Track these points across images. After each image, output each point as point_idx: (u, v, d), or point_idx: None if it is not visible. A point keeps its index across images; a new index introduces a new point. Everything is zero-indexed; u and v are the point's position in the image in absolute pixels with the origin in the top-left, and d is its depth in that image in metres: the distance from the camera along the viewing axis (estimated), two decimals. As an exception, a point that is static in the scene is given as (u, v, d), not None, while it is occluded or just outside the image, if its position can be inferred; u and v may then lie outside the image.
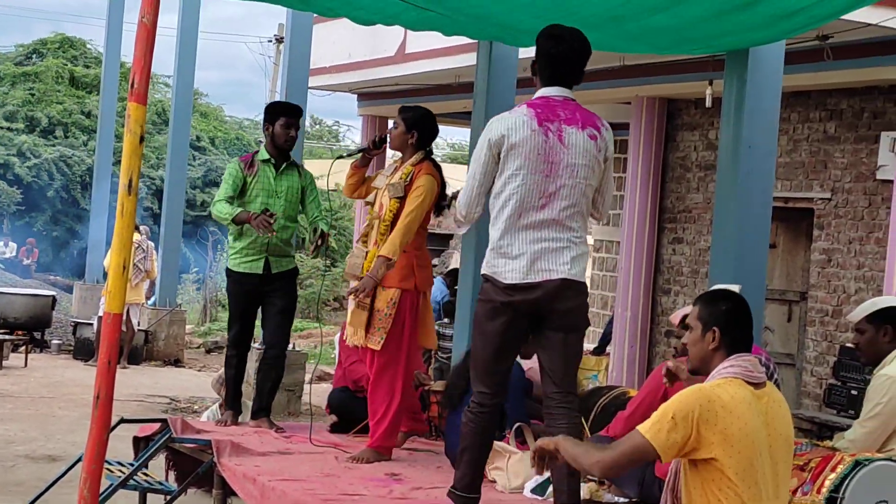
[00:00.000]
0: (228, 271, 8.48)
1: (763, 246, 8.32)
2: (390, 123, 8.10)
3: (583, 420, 7.24)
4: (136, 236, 19.32)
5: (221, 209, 8.15)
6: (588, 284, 5.92)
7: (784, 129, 12.91)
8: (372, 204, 7.63)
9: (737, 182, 8.15)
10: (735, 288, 6.98)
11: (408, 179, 7.41)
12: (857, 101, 13.02)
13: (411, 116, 7.60)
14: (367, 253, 7.45)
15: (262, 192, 8.28)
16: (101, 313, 18.17)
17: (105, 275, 19.20)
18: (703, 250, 14.81)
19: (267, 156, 8.38)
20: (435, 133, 7.68)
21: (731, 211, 8.18)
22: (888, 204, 11.97)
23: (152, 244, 19.61)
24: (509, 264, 5.72)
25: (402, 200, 7.36)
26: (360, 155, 7.99)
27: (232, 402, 8.55)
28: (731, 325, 4.66)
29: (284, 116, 8.38)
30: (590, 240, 23.41)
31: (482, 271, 5.89)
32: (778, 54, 8.25)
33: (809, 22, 7.59)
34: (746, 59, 8.09)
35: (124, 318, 18.58)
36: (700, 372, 4.73)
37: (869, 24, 10.68)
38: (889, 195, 11.92)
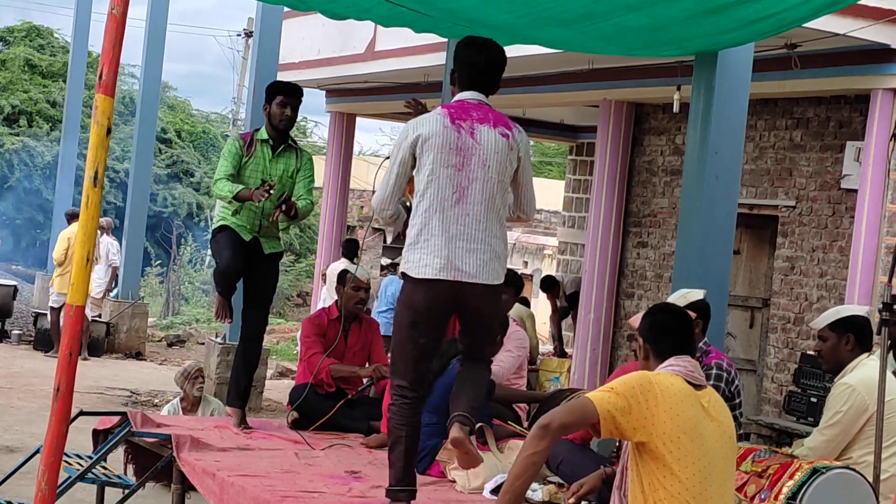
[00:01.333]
0: (219, 227, 8.22)
1: (727, 252, 8.37)
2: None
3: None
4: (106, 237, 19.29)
5: (223, 187, 7.96)
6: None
7: (750, 136, 12.97)
8: None
9: (702, 188, 8.18)
10: (700, 293, 7.05)
11: None
12: (823, 109, 13.09)
13: None
14: None
15: (256, 173, 8.09)
16: (52, 304, 18.22)
17: (54, 266, 19.15)
18: (668, 255, 14.87)
19: (266, 136, 8.19)
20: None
21: (696, 216, 8.22)
22: (852, 213, 12.05)
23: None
24: (424, 259, 5.82)
25: None
26: None
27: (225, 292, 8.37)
28: (655, 334, 4.97)
29: (281, 95, 8.16)
30: (554, 241, 23.51)
31: (400, 269, 6.01)
32: (746, 61, 8.29)
33: (780, 25, 7.65)
34: (715, 64, 8.13)
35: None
36: None
37: (836, 34, 10.75)
38: (853, 204, 11.99)
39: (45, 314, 19.13)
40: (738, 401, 6.81)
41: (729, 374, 6.78)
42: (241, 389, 8.46)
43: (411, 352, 5.96)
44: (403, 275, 5.96)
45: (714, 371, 6.71)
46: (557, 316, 17.15)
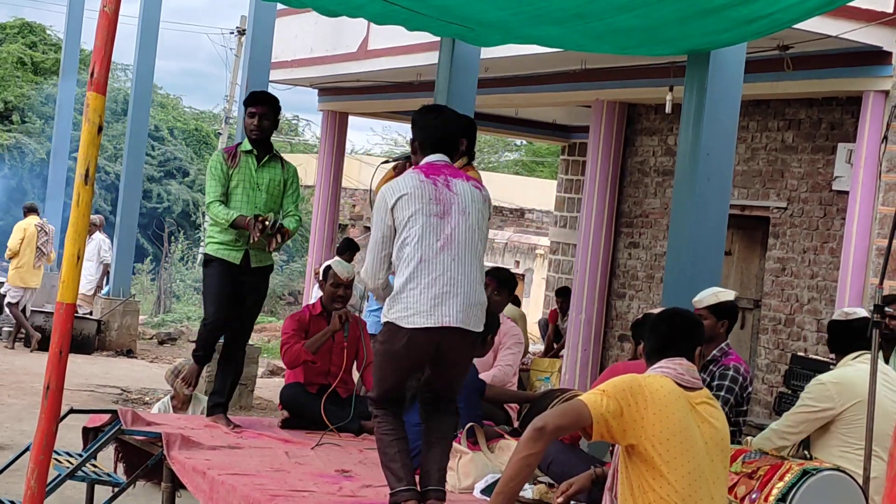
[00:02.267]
0: (208, 257, 8.27)
1: (718, 253, 8.38)
2: None
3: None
4: (37, 219, 19.20)
5: (218, 213, 8.04)
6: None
7: (742, 137, 12.98)
8: None
9: (694, 188, 8.19)
10: (731, 294, 7.15)
11: None
12: (815, 111, 13.12)
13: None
14: None
15: (243, 183, 8.13)
16: (10, 300, 18.54)
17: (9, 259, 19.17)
18: (659, 255, 14.88)
19: (249, 147, 8.25)
20: (475, 141, 7.72)
21: (688, 217, 8.22)
22: (843, 215, 12.06)
23: (53, 228, 19.56)
24: (412, 308, 5.88)
25: None
26: (401, 162, 7.91)
27: (202, 358, 8.46)
28: (649, 336, 5.06)
29: (251, 106, 8.25)
30: (546, 241, 23.51)
31: (384, 318, 6.05)
32: (738, 62, 8.30)
33: (773, 26, 7.67)
34: (707, 65, 8.13)
35: (28, 301, 18.69)
36: None
37: (828, 36, 10.76)
38: (844, 206, 12.01)
39: (38, 311, 19.10)
40: (745, 408, 6.86)
41: (745, 379, 6.84)
42: (223, 401, 8.44)
43: (393, 379, 6.06)
44: (386, 324, 6.00)
45: (731, 373, 6.79)
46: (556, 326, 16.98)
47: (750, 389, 6.88)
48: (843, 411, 6.38)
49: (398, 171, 7.85)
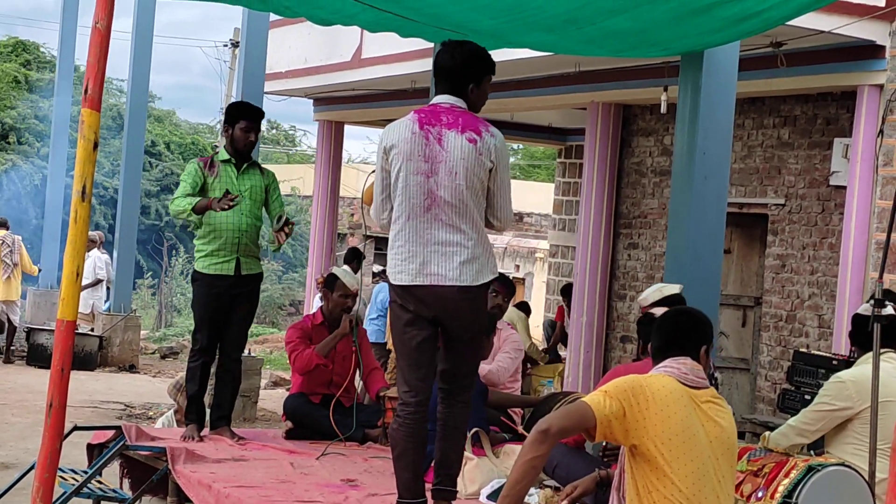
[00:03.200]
0: (197, 274, 8.23)
1: (718, 251, 8.37)
2: None
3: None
4: (2, 232, 19.28)
5: (179, 203, 7.97)
6: (486, 285, 6.01)
7: (738, 135, 12.98)
8: None
9: (692, 188, 8.19)
10: (676, 288, 7.11)
11: None
12: (810, 107, 13.12)
13: None
14: None
15: (225, 190, 8.05)
16: None
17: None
18: (659, 255, 14.88)
19: (227, 156, 8.24)
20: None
21: (686, 216, 8.22)
22: (841, 210, 12.06)
23: (19, 237, 19.66)
24: (400, 265, 5.88)
25: None
26: None
27: (196, 417, 8.23)
28: (650, 335, 5.10)
29: (245, 120, 8.22)
30: (545, 244, 23.51)
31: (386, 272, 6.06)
32: (732, 60, 8.31)
33: (765, 25, 7.68)
34: (701, 64, 8.14)
35: (17, 314, 19.01)
36: None
37: (821, 32, 10.77)
38: (842, 201, 12.01)
39: (38, 329, 19.13)
40: None
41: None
42: (225, 414, 8.38)
43: (410, 353, 5.94)
44: (387, 279, 6.03)
45: None
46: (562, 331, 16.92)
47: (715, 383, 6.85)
48: (861, 410, 6.36)
49: None
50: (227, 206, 7.80)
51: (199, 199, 7.96)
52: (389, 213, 6.00)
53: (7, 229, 19.48)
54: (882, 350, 6.57)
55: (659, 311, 6.57)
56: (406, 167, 5.86)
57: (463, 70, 6.01)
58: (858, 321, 6.83)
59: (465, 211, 5.88)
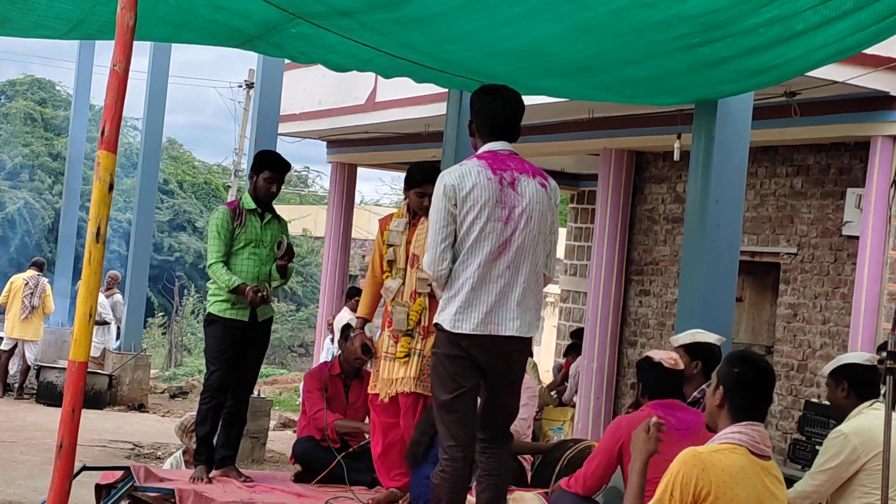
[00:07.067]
0: (212, 317, 8.21)
1: (730, 299, 8.36)
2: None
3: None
4: (31, 273, 19.92)
5: (221, 276, 8.05)
6: (538, 335, 5.99)
7: (751, 183, 13.00)
8: (393, 261, 7.53)
9: (704, 236, 8.19)
10: (712, 337, 7.07)
11: None
12: (823, 157, 13.12)
13: None
14: (409, 307, 7.34)
15: (250, 242, 8.15)
16: (3, 346, 19.59)
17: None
18: (670, 303, 14.85)
19: (253, 205, 8.26)
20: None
21: (699, 264, 8.22)
22: (853, 260, 12.05)
23: (46, 279, 20.11)
24: (462, 314, 5.75)
25: None
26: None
27: (206, 458, 8.17)
28: (737, 388, 4.61)
29: (269, 171, 8.22)
30: (556, 289, 23.47)
31: (436, 320, 5.92)
32: (746, 109, 8.32)
33: (780, 77, 7.71)
34: (715, 113, 8.15)
35: (33, 354, 19.46)
36: (711, 429, 4.72)
37: (835, 82, 10.79)
38: (854, 251, 11.99)
39: (48, 367, 19.16)
40: None
41: None
42: (231, 454, 8.34)
43: (458, 407, 5.83)
44: (438, 325, 5.89)
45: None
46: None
47: None
48: (866, 461, 6.31)
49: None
50: (258, 303, 8.01)
51: (239, 282, 8.01)
52: (450, 262, 5.82)
53: (41, 271, 20.06)
54: (873, 401, 6.54)
55: (658, 356, 6.54)
56: (483, 214, 5.75)
57: (516, 119, 6.02)
58: (860, 371, 6.80)
59: (534, 259, 5.85)
